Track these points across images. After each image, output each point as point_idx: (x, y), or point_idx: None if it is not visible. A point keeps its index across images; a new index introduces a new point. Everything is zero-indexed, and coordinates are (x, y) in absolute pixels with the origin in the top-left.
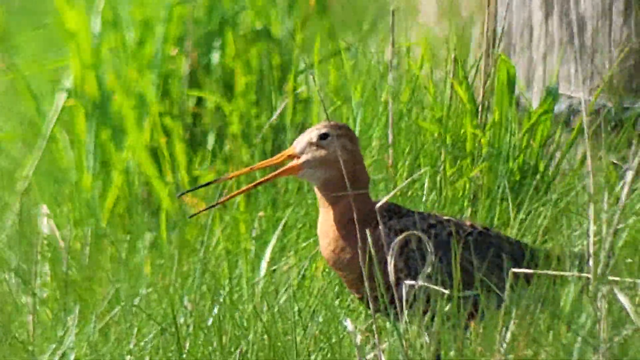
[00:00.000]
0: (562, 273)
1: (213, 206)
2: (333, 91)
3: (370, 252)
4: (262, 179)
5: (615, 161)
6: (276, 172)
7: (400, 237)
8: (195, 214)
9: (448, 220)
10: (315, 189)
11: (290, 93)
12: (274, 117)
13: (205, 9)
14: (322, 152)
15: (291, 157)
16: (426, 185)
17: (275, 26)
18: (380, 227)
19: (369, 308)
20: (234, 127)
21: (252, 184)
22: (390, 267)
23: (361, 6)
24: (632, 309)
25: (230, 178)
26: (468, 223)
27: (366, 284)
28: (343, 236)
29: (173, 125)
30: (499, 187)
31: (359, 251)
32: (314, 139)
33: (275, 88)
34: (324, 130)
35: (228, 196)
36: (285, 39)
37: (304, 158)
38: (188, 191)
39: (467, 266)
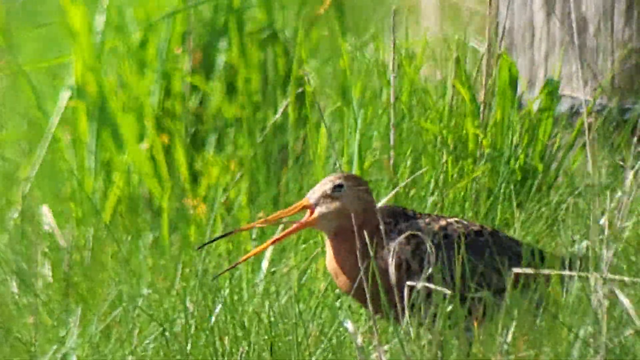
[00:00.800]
0: (563, 272)
1: (233, 267)
2: (335, 91)
3: (387, 263)
4: (280, 236)
5: (616, 161)
6: (293, 228)
7: (401, 237)
8: (218, 274)
9: (458, 222)
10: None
11: (292, 93)
12: (277, 116)
13: (211, 7)
14: (337, 204)
15: (306, 207)
16: (429, 185)
17: (282, 24)
18: (381, 228)
19: (389, 320)
20: (237, 127)
21: (270, 242)
22: (391, 269)
23: (362, 6)
24: (632, 309)
25: (245, 229)
26: (477, 224)
27: (364, 292)
28: (359, 264)
29: (175, 125)
30: (500, 188)
31: (373, 271)
32: (328, 191)
33: (279, 87)
34: (337, 182)
35: (245, 256)
36: (291, 38)
37: (318, 210)
38: (206, 244)
39: (479, 267)
